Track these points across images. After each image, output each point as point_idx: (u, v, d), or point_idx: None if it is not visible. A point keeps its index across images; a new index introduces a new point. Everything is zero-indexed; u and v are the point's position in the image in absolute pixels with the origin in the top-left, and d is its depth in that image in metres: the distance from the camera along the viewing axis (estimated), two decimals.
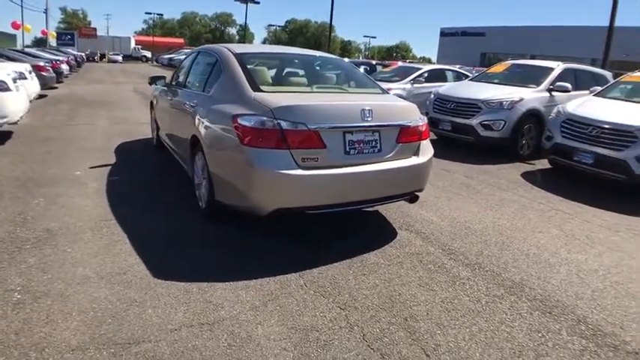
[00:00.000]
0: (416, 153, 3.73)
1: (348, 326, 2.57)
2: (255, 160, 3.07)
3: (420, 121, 3.76)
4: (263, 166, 3.06)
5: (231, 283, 2.95)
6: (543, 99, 7.81)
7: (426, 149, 3.82)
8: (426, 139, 3.84)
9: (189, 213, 4.07)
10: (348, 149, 3.34)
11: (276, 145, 3.09)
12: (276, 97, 3.33)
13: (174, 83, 5.40)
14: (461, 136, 7.82)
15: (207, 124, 3.66)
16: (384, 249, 3.62)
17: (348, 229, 3.97)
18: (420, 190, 3.87)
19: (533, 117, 7.67)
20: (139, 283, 2.89)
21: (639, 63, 26.46)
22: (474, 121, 7.54)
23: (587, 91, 7.87)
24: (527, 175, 6.58)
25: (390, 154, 3.53)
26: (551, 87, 7.93)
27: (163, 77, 5.96)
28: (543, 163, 7.27)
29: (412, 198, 3.83)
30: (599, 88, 7.57)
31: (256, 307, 2.71)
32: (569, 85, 7.84)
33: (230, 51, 4.02)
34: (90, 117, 9.59)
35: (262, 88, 3.51)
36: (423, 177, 3.80)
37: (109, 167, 5.60)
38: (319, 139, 3.20)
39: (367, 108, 3.39)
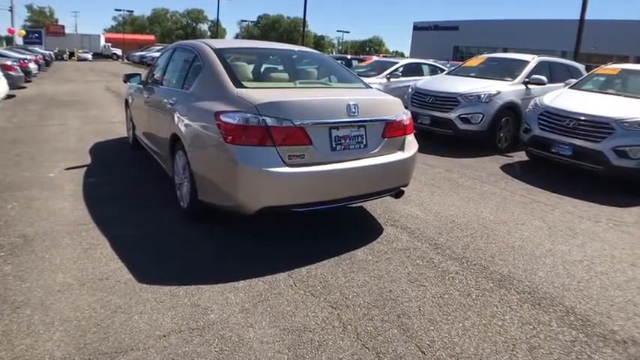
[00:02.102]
0: (401, 148, 3.71)
1: (342, 326, 2.53)
2: (239, 158, 3.00)
3: (405, 115, 3.74)
4: (248, 164, 2.99)
5: (219, 285, 2.88)
6: (520, 92, 7.93)
7: (411, 144, 3.81)
8: (410, 133, 3.83)
9: (171, 214, 3.97)
10: (334, 145, 3.29)
11: (261, 142, 3.03)
12: (260, 93, 3.26)
13: (150, 81, 5.25)
14: (440, 130, 7.88)
15: (188, 122, 3.56)
16: (372, 245, 3.60)
17: (335, 226, 3.94)
18: (406, 185, 3.86)
19: (511, 110, 7.78)
20: (123, 289, 2.79)
21: (607, 55, 27.39)
22: (452, 115, 7.59)
23: (562, 84, 8.02)
24: (506, 168, 6.67)
25: (376, 150, 3.50)
26: (527, 80, 8.05)
27: (138, 75, 5.79)
28: (521, 156, 7.39)
29: (398, 193, 3.82)
30: (574, 81, 7.72)
31: (246, 309, 2.65)
32: (544, 78, 7.98)
33: (209, 46, 3.92)
34: (61, 117, 9.29)
35: (244, 84, 3.43)
36: (408, 172, 3.79)
37: (85, 168, 5.42)
38: (305, 136, 3.15)
39: (353, 103, 3.35)
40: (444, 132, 7.82)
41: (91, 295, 2.71)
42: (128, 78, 5.74)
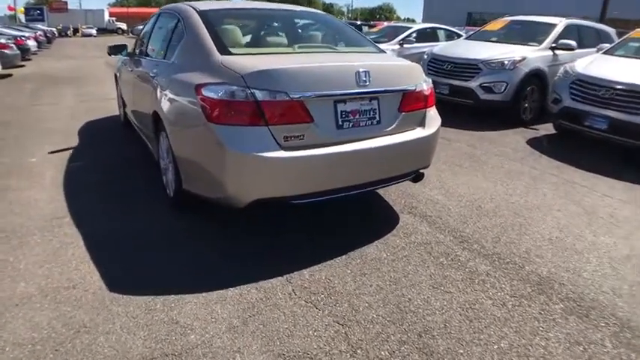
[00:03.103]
0: (421, 124, 3.15)
1: (350, 350, 2.06)
2: (225, 141, 2.48)
3: (425, 84, 3.17)
4: (235, 148, 2.47)
5: (204, 294, 2.41)
6: (546, 58, 7.22)
7: (433, 119, 3.25)
8: (431, 106, 3.26)
9: (158, 204, 3.50)
10: (340, 122, 2.75)
11: (250, 121, 2.50)
12: (249, 61, 2.71)
13: (136, 52, 4.70)
14: (459, 100, 7.23)
15: (168, 97, 3.04)
16: (386, 239, 3.10)
17: (342, 216, 3.43)
18: (426, 167, 3.31)
19: (536, 78, 7.10)
20: (90, 301, 2.35)
21: (631, 20, 25.89)
22: (473, 84, 6.94)
23: (592, 49, 7.33)
24: (533, 143, 6.06)
25: (392, 127, 2.96)
26: (554, 45, 7.33)
27: (124, 46, 5.22)
28: (547, 128, 6.77)
29: (417, 176, 3.28)
30: (607, 46, 7.00)
31: (234, 327, 2.18)
32: (573, 43, 7.24)
33: (193, 8, 3.35)
34: (56, 96, 8.81)
35: (232, 50, 2.88)
36: (429, 152, 3.25)
37: (71, 151, 4.96)
38: (305, 112, 2.61)
39: (363, 70, 2.78)
40: (464, 102, 7.17)
41: (53, 310, 2.27)
42: (113, 50, 5.17)
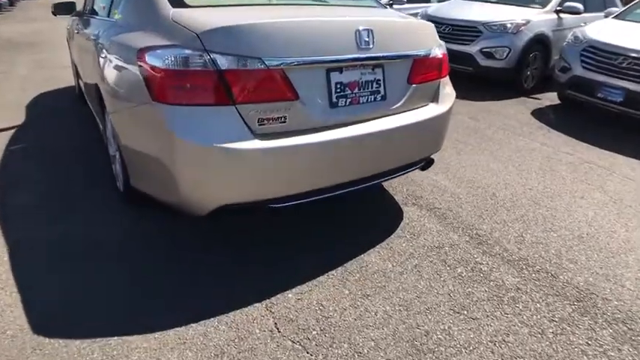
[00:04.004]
0: (434, 98, 2.54)
1: None
2: (175, 128, 1.82)
3: (440, 49, 2.54)
4: (190, 137, 1.81)
5: (157, 335, 1.82)
6: (551, 22, 6.59)
7: (447, 92, 2.65)
8: (445, 75, 2.64)
9: (107, 200, 2.84)
10: (335, 99, 2.12)
11: (210, 98, 1.83)
12: (210, 15, 2.03)
13: (86, 11, 3.91)
14: (457, 67, 6.56)
15: (108, 67, 2.35)
16: (390, 242, 2.53)
17: (334, 213, 2.83)
18: (436, 151, 2.72)
19: (540, 44, 6.49)
20: (6, 348, 1.74)
21: None
22: (473, 48, 6.30)
23: (598, 14, 6.75)
24: (538, 114, 5.50)
25: (400, 103, 2.34)
26: (559, 8, 6.68)
27: (72, 4, 4.37)
28: (550, 98, 6.23)
29: (427, 163, 2.68)
30: (616, 10, 6.40)
31: None
32: (580, 6, 6.59)
33: None
34: (9, 63, 7.88)
35: (188, 1, 2.16)
36: (443, 133, 2.65)
37: (13, 131, 4.21)
38: (287, 85, 1.96)
39: (364, 28, 2.13)
40: (462, 69, 6.53)
41: None
42: (59, 9, 4.32)
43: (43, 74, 6.85)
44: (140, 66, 1.89)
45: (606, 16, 6.28)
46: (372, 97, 2.22)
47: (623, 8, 6.38)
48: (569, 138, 4.63)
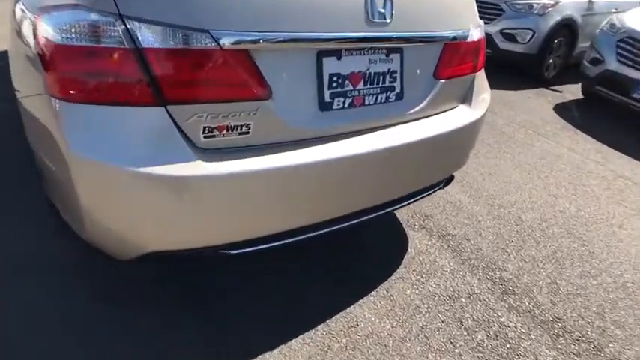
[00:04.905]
0: (466, 98, 1.88)
1: None
2: (72, 137, 1.10)
3: (478, 30, 1.85)
4: (91, 153, 1.11)
5: None
6: (580, 5, 5.86)
7: (482, 90, 1.98)
8: (482, 68, 1.97)
9: (34, 203, 2.16)
10: (328, 97, 1.43)
11: (125, 94, 1.12)
12: None
13: None
14: None
15: (11, 39, 1.61)
16: (389, 286, 1.91)
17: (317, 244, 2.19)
18: (462, 167, 2.07)
19: (567, 28, 5.78)
20: None
21: None
22: (492, 29, 5.55)
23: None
24: (561, 110, 4.86)
25: (421, 105, 1.66)
26: None
27: None
28: (572, 91, 5.60)
29: (447, 181, 2.02)
30: None
31: None
32: None
33: None
34: None
35: None
36: (472, 145, 2.00)
37: None
38: (252, 75, 1.25)
39: None
40: None
41: None
42: None
43: None
44: (35, 37, 1.18)
45: None
46: (384, 95, 1.54)
47: None
48: (598, 143, 4.02)
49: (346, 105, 1.46)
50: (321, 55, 1.38)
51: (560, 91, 5.65)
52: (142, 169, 1.10)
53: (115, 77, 1.10)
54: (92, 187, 1.15)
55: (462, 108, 1.83)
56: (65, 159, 1.12)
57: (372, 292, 1.84)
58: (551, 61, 5.85)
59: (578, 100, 5.36)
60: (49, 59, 1.11)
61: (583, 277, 2.18)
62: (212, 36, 1.15)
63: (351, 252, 2.09)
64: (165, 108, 1.14)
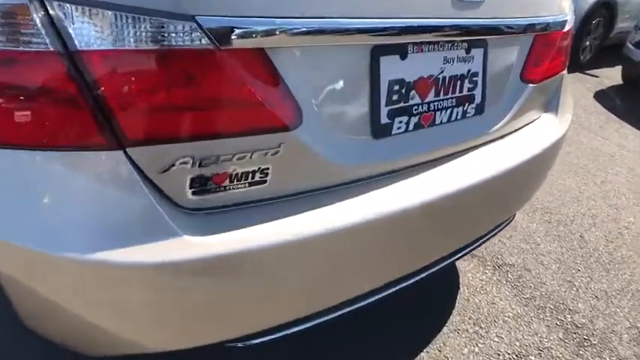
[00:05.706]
0: (551, 105, 1.42)
1: None
2: None
3: (571, 14, 1.39)
4: (8, 234, 0.65)
5: None
6: None
7: (567, 91, 1.52)
8: (565, 67, 1.52)
9: None
10: (387, 117, 0.98)
11: (47, 132, 0.65)
12: None
13: None
14: None
15: None
16: (441, 343, 1.52)
17: None
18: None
19: (605, 8, 5.30)
20: None
21: None
22: None
23: None
24: (602, 99, 4.41)
25: (505, 120, 1.22)
26: None
27: None
28: (609, 77, 5.15)
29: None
30: None
31: None
32: None
33: None
34: None
35: None
36: (553, 165, 1.55)
37: None
38: (273, 88, 0.77)
39: None
40: None
41: None
42: None
43: None
44: None
45: None
46: (460, 109, 1.11)
47: None
48: None
49: (410, 127, 1.02)
50: (377, 52, 0.93)
51: (598, 77, 5.19)
52: (83, 257, 0.66)
53: (30, 102, 0.65)
54: (17, 274, 0.72)
55: (546, 118, 1.40)
56: None
57: (422, 354, 1.45)
58: (587, 43, 5.36)
59: (618, 86, 4.90)
60: None
61: None
62: (201, 26, 0.68)
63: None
64: (125, 152, 0.69)
